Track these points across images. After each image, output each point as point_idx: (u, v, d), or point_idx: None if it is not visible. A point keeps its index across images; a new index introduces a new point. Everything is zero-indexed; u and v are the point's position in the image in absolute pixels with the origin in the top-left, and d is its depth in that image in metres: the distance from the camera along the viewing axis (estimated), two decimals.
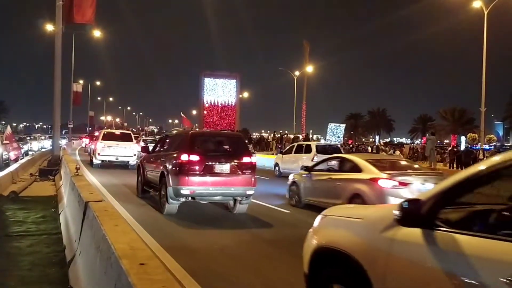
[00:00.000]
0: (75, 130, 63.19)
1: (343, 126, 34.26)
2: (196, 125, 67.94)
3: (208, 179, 9.03)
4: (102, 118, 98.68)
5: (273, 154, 32.33)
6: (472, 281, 2.31)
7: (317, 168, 11.08)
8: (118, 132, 23.13)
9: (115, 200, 10.65)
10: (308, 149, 18.09)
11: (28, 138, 38.27)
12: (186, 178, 8.82)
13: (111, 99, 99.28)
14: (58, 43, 17.67)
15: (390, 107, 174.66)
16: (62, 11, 17.10)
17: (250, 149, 10.39)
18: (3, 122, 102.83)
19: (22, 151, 27.05)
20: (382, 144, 46.15)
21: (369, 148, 35.08)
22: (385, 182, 8.55)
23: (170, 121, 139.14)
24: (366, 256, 3.01)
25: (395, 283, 2.79)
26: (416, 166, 10.71)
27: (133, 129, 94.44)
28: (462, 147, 36.26)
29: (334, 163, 10.97)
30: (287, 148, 21.52)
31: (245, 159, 9.38)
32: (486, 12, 26.50)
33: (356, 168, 9.41)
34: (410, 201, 2.78)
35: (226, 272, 5.52)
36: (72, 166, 10.37)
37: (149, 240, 6.68)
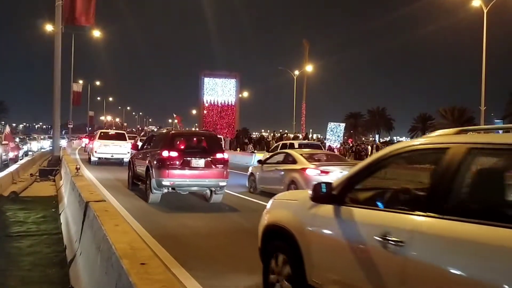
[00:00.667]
0: (75, 130, 63.20)
1: (342, 125, 34.17)
2: (196, 124, 67.88)
3: (186, 172, 10.32)
4: (102, 118, 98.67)
5: None
6: (360, 240, 3.26)
7: (268, 161, 13.09)
8: (113, 132, 24.97)
9: (107, 192, 11.77)
10: (291, 147, 19.71)
11: (27, 138, 38.21)
12: (167, 171, 10.12)
13: (110, 99, 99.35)
14: (57, 43, 17.64)
15: (390, 106, 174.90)
16: (61, 12, 17.09)
17: (223, 146, 12.61)
18: (3, 122, 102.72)
19: (21, 152, 26.97)
20: (379, 143, 46.38)
21: (369, 147, 35.09)
22: (311, 171, 10.65)
23: (169, 120, 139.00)
24: (298, 229, 3.87)
25: (316, 248, 3.69)
26: (343, 159, 14.37)
27: (133, 129, 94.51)
28: None
29: (280, 157, 12.82)
30: (273, 147, 23.27)
31: (218, 155, 10.67)
32: (485, 11, 26.49)
33: (294, 161, 11.63)
34: (325, 184, 3.63)
35: (198, 249, 6.62)
36: (72, 166, 10.38)
37: (135, 225, 7.71)
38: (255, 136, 59.77)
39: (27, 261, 5.50)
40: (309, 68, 45.50)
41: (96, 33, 34.65)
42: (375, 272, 3.06)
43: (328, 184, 3.61)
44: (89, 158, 22.31)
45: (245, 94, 67.94)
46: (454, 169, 2.82)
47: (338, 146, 30.62)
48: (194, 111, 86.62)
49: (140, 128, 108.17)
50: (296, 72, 48.51)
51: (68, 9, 16.92)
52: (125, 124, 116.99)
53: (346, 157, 31.37)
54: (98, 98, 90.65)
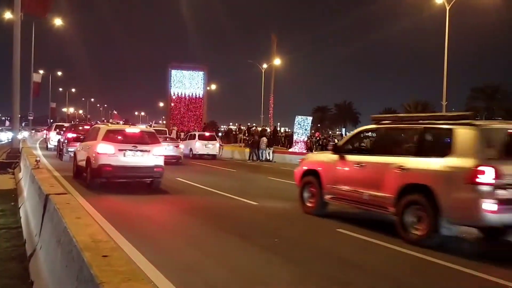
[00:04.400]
0: (36, 122, 61.07)
1: (310, 118, 34.32)
2: (163, 117, 66.91)
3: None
4: (64, 109, 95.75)
5: (240, 146, 32.36)
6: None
7: None
8: (66, 124, 30.73)
9: (45, 159, 17.88)
10: (194, 137, 26.47)
11: None
12: (70, 143, 18.75)
13: (73, 90, 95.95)
14: (16, 31, 17.07)
15: (356, 101, 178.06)
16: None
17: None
18: None
19: None
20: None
21: (336, 140, 35.67)
22: None
23: (136, 113, 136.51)
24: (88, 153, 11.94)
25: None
26: None
27: (98, 121, 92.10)
28: None
29: None
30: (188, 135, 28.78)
31: None
32: (448, 8, 27.27)
33: None
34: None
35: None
36: (32, 158, 10.03)
37: (56, 173, 13.33)
38: (223, 129, 59.51)
39: None
40: (277, 61, 45.48)
41: (58, 22, 33.56)
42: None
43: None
44: (47, 145, 28.23)
45: (214, 87, 67.49)
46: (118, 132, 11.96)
47: (305, 139, 30.84)
48: (161, 104, 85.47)
49: (104, 120, 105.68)
50: (265, 66, 48.58)
51: None
52: (89, 116, 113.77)
53: (313, 150, 31.72)
54: (60, 89, 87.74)
